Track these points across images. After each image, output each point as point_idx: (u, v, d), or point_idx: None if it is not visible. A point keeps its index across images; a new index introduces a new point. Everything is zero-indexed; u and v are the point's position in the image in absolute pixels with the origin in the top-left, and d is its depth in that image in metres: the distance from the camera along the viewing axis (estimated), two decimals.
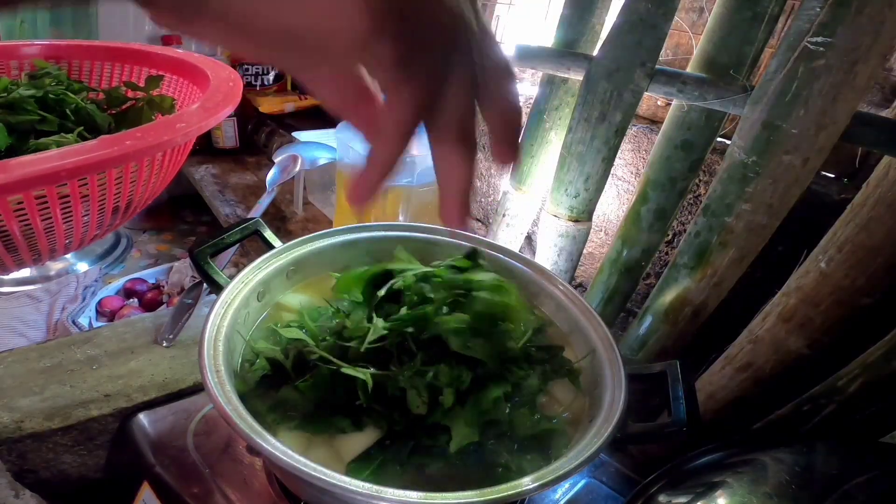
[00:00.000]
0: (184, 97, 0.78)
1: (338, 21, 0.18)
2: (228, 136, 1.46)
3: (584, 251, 0.76)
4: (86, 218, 0.54)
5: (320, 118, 1.50)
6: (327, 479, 0.31)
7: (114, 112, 0.74)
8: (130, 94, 0.75)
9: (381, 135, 0.22)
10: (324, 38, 0.18)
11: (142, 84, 0.74)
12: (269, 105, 1.46)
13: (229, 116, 1.42)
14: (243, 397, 0.38)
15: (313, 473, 0.31)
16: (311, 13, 0.18)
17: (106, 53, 0.81)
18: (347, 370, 0.38)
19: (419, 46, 0.20)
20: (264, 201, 0.95)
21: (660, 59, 0.59)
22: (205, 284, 0.64)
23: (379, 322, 0.40)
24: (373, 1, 0.18)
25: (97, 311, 0.96)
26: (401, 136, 0.22)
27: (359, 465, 0.37)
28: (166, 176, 0.65)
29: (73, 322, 0.88)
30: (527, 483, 0.33)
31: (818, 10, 0.46)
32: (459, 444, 0.37)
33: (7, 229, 0.50)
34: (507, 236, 0.79)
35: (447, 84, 0.22)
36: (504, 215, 0.78)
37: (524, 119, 0.94)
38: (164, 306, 1.00)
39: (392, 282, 0.44)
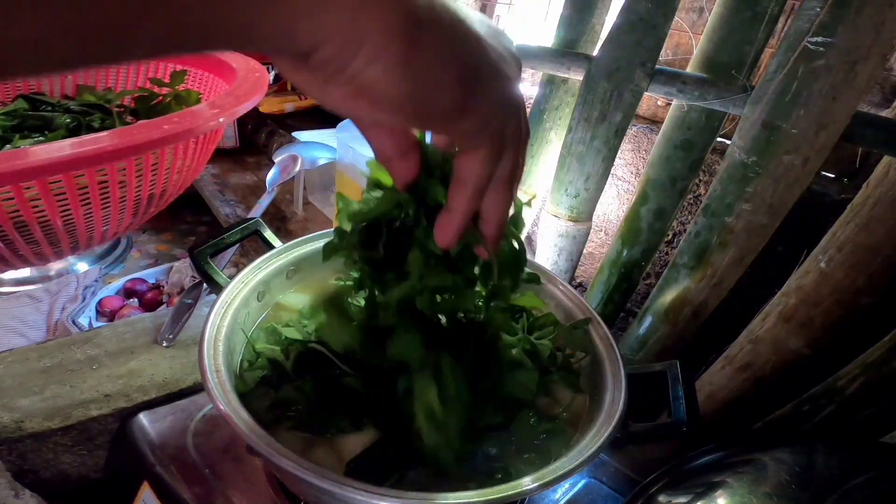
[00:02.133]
0: (210, 91, 0.78)
1: (442, 99, 0.23)
2: (228, 136, 1.46)
3: (584, 251, 0.76)
4: (122, 204, 0.55)
5: (320, 118, 1.50)
6: (326, 479, 0.31)
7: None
8: (157, 89, 0.76)
9: (464, 188, 0.28)
10: (430, 110, 0.23)
11: (167, 80, 0.75)
12: (269, 105, 1.46)
13: None
14: (243, 397, 0.38)
15: (312, 474, 0.31)
16: (425, 89, 0.22)
17: None
18: (349, 380, 0.38)
19: (490, 115, 0.25)
20: (264, 201, 0.95)
21: (660, 59, 0.59)
22: (205, 284, 0.64)
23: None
24: (458, 89, 0.23)
25: (97, 311, 0.95)
26: (481, 188, 0.28)
27: (358, 465, 0.37)
28: (198, 163, 0.66)
29: (73, 322, 0.88)
30: (527, 483, 0.33)
31: (818, 10, 0.46)
32: (447, 459, 0.36)
33: (48, 218, 0.51)
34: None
35: (508, 139, 0.27)
36: None
37: None
38: (164, 306, 1.00)
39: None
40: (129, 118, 0.77)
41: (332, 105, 0.24)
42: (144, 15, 0.16)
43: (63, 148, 0.46)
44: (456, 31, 0.23)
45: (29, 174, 0.46)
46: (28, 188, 0.50)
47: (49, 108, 0.76)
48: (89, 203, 0.54)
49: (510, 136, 0.27)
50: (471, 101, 0.24)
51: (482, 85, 0.24)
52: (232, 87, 0.64)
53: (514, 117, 0.27)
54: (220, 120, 0.55)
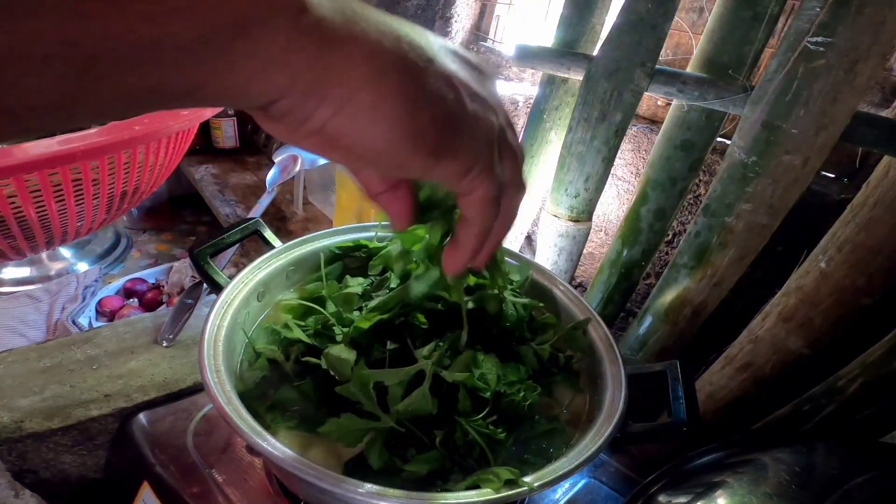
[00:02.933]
0: None
1: (416, 146, 0.22)
2: (228, 136, 1.46)
3: (584, 251, 0.76)
4: (96, 201, 0.58)
5: None
6: (326, 478, 0.31)
7: None
8: None
9: (472, 227, 0.28)
10: (402, 158, 0.22)
11: None
12: None
13: (229, 116, 1.43)
14: (243, 397, 0.38)
15: (312, 473, 0.31)
16: (394, 138, 0.21)
17: None
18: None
19: (475, 156, 0.24)
20: (264, 201, 0.95)
21: (660, 59, 0.59)
22: (205, 284, 0.64)
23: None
24: (432, 133, 0.22)
25: (97, 311, 0.95)
26: (488, 227, 0.28)
27: (357, 465, 0.37)
28: (170, 163, 0.68)
29: (73, 322, 0.88)
30: (527, 483, 0.33)
31: (818, 10, 0.46)
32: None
33: (24, 214, 0.54)
34: (507, 236, 0.79)
35: (503, 170, 0.26)
36: None
37: (524, 119, 0.94)
38: (164, 306, 1.00)
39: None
40: None
41: (308, 151, 0.23)
42: (84, 92, 0.16)
43: (39, 147, 0.48)
44: (426, 74, 0.21)
45: (6, 172, 0.48)
46: (6, 185, 0.52)
47: None
48: (63, 200, 0.57)
49: (508, 173, 0.26)
50: (449, 144, 0.23)
51: (460, 126, 0.23)
52: None
53: (506, 153, 0.26)
54: (189, 122, 0.58)
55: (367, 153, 0.22)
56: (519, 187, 0.28)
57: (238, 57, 0.18)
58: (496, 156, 0.25)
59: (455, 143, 0.23)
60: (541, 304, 0.51)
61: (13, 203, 0.54)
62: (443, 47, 0.23)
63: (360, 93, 0.20)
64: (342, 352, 0.39)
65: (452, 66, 0.23)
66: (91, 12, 0.15)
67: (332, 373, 0.39)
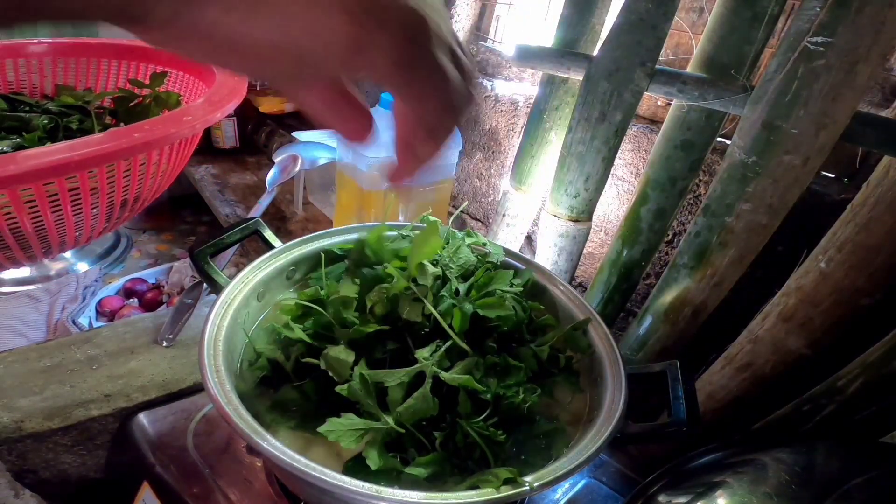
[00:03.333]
0: (190, 93, 0.79)
1: (325, 36, 0.19)
2: (228, 136, 1.46)
3: (584, 251, 0.76)
4: (95, 211, 0.57)
5: None
6: (326, 478, 0.31)
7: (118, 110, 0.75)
8: (137, 90, 0.77)
9: (432, 139, 0.24)
10: (313, 53, 0.19)
11: (147, 81, 0.76)
12: (269, 105, 1.46)
13: (229, 116, 1.43)
14: (243, 397, 0.38)
15: (312, 473, 0.31)
16: (297, 29, 0.19)
17: (112, 51, 0.82)
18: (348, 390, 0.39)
19: (413, 47, 0.21)
20: (264, 201, 0.95)
21: (660, 59, 0.59)
22: (205, 284, 0.64)
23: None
24: (341, 17, 0.19)
25: (97, 311, 0.95)
26: (446, 135, 0.24)
27: (357, 465, 0.37)
28: (173, 170, 0.67)
29: (73, 322, 0.88)
30: (527, 483, 0.33)
31: (818, 10, 0.46)
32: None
33: (19, 224, 0.52)
34: (507, 236, 0.79)
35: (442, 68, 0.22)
36: (504, 215, 0.78)
37: (524, 119, 0.94)
38: (164, 306, 1.00)
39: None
40: (108, 119, 0.77)
41: (215, 64, 0.20)
42: None
43: (32, 157, 0.46)
44: None
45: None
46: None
47: (27, 109, 0.75)
48: (60, 210, 0.54)
49: (454, 70, 0.22)
50: (368, 26, 0.19)
51: (381, 9, 0.19)
52: (209, 92, 0.64)
53: (437, 37, 0.22)
54: (193, 129, 0.55)
55: (274, 54, 0.19)
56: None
57: None
58: (443, 48, 0.21)
59: (377, 26, 0.20)
60: (541, 307, 0.51)
61: (7, 214, 0.52)
62: None
63: None
64: (340, 353, 0.39)
65: None
66: None
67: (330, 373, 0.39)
